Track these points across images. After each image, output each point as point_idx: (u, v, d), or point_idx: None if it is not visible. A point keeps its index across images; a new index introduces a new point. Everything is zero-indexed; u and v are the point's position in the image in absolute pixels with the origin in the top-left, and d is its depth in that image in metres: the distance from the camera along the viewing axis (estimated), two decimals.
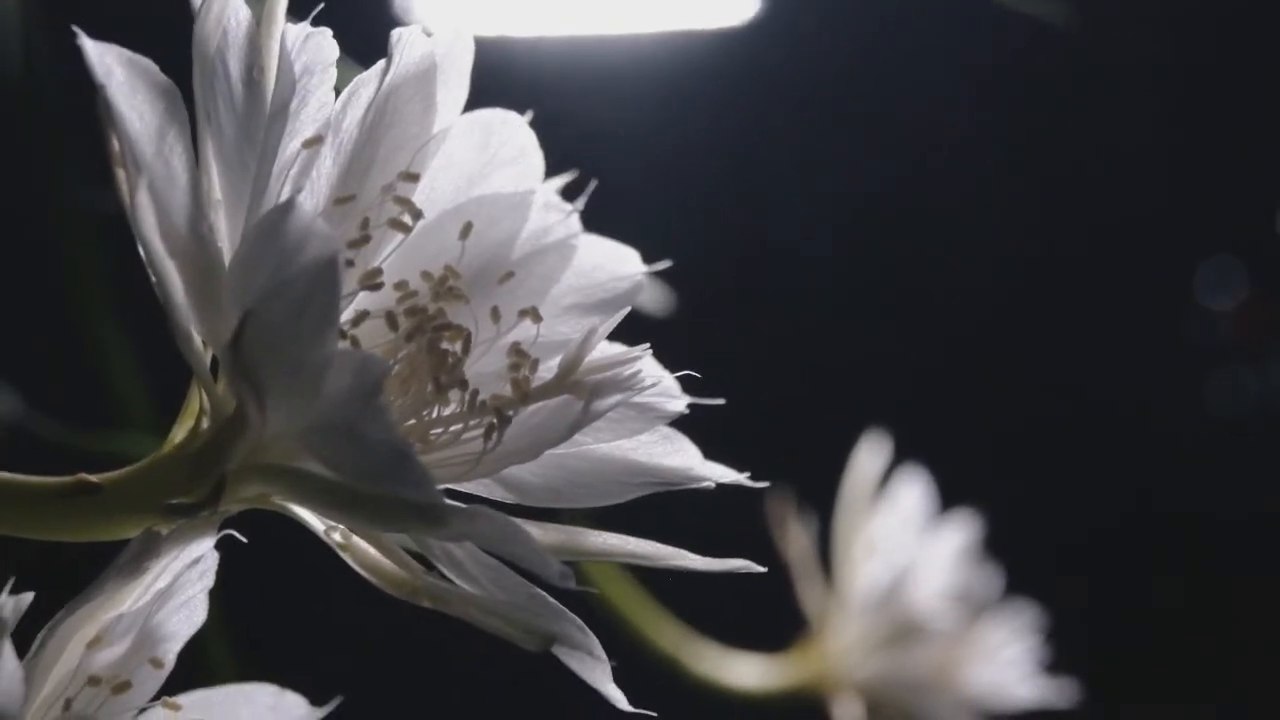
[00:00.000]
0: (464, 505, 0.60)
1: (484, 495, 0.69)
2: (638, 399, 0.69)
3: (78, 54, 0.58)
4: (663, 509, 0.76)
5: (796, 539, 1.79)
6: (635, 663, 1.57)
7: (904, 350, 3.26)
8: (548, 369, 0.70)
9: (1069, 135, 3.41)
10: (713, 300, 2.47)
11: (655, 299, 1.41)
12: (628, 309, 0.72)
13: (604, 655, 0.64)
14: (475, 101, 0.72)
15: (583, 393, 0.66)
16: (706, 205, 3.13)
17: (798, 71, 3.12)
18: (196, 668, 0.74)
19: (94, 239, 1.48)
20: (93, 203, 1.46)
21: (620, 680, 0.65)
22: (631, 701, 0.65)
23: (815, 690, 1.84)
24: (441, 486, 0.67)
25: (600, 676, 0.64)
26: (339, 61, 0.66)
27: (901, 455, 1.84)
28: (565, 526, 0.69)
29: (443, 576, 0.65)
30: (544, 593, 0.64)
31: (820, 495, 1.82)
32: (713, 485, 0.72)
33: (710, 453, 0.73)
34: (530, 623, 0.62)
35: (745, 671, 1.84)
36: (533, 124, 0.73)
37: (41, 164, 1.51)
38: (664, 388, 0.71)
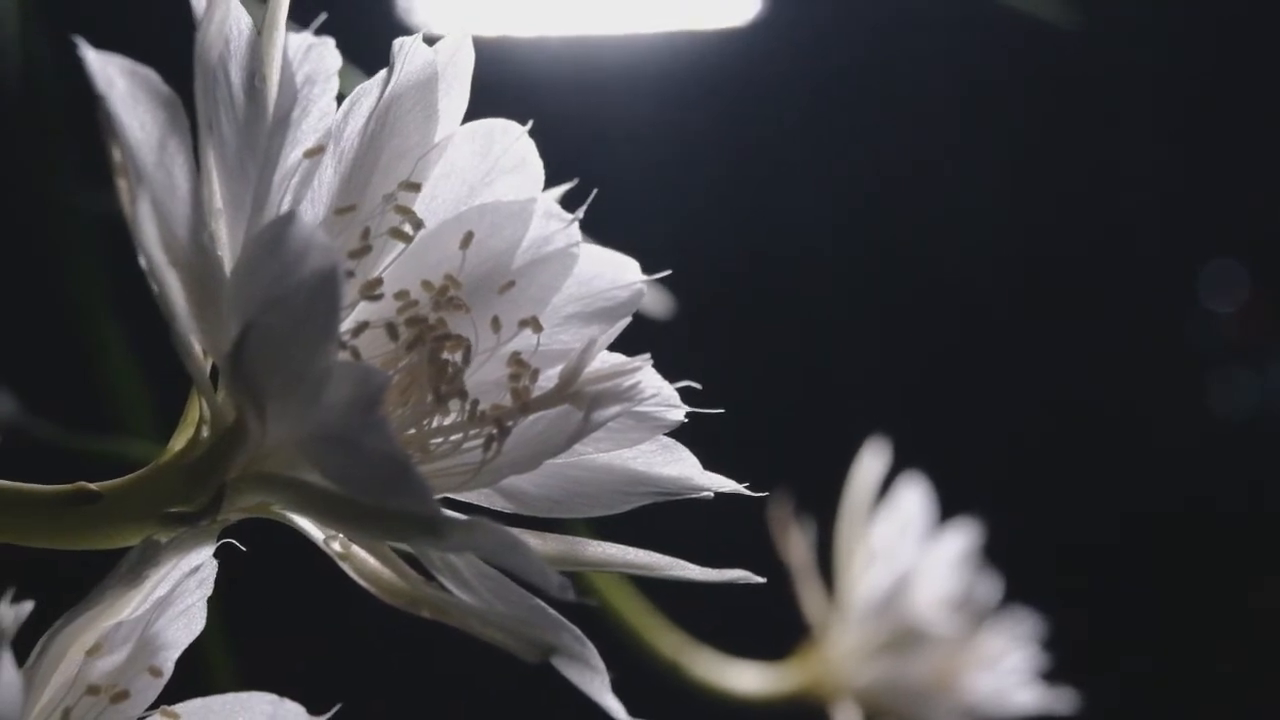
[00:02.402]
0: (463, 517, 0.60)
1: (484, 505, 0.69)
2: (637, 409, 0.69)
3: (77, 56, 0.58)
4: (669, 516, 0.76)
5: (797, 545, 1.79)
6: (637, 669, 1.57)
7: (906, 355, 3.26)
8: (548, 378, 0.69)
9: (1072, 137, 3.41)
10: (714, 303, 2.47)
11: (657, 302, 1.41)
12: (628, 319, 0.72)
13: (602, 666, 0.64)
14: (477, 102, 0.72)
15: (582, 403, 0.66)
16: (708, 206, 3.13)
17: (799, 72, 3.12)
18: (197, 675, 0.74)
19: (94, 241, 1.48)
20: (93, 204, 1.46)
21: (622, 687, 0.65)
22: (634, 708, 0.65)
23: (816, 696, 1.84)
24: (441, 496, 0.67)
25: (598, 687, 0.64)
26: (341, 67, 0.66)
27: (902, 462, 1.84)
28: (565, 536, 0.69)
29: (442, 586, 0.65)
30: (544, 604, 0.64)
31: (821, 502, 1.82)
32: (711, 495, 0.72)
33: (712, 460, 0.73)
34: (529, 634, 0.62)
35: (746, 677, 1.84)
36: (534, 125, 0.72)
37: (41, 166, 1.51)
38: (663, 398, 0.71)
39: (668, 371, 0.72)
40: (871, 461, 1.82)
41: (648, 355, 0.69)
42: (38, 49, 1.49)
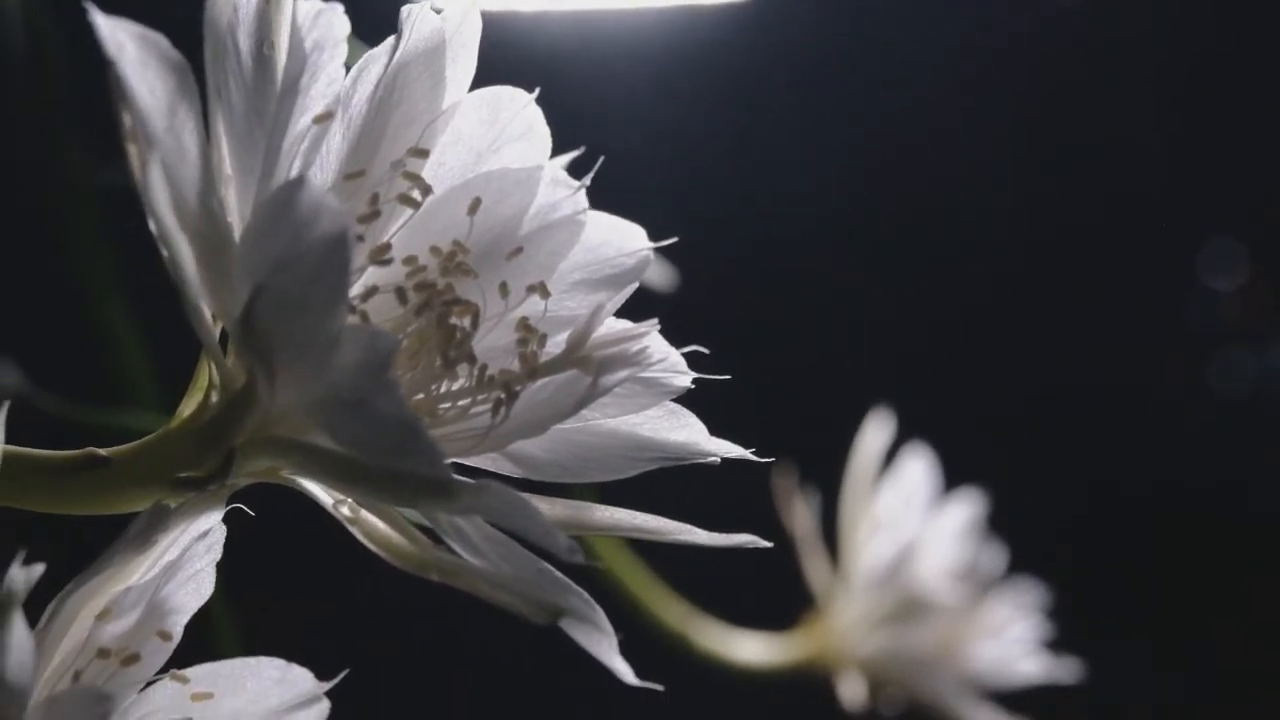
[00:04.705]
0: (472, 480, 0.60)
1: (492, 470, 0.70)
2: (644, 374, 0.69)
3: (80, 28, 0.58)
4: (672, 485, 0.76)
5: (802, 515, 1.80)
6: (640, 639, 1.57)
7: (909, 328, 3.26)
8: (555, 344, 0.70)
9: (1071, 116, 3.40)
10: (718, 276, 2.47)
11: (661, 275, 1.41)
12: (635, 285, 0.72)
13: (610, 629, 0.65)
14: (480, 77, 0.72)
15: (590, 368, 0.66)
16: (711, 181, 3.12)
17: (803, 47, 3.12)
18: (204, 641, 0.75)
19: (97, 212, 1.48)
20: (96, 176, 1.46)
21: (625, 656, 0.66)
22: (638, 675, 0.65)
23: (820, 666, 1.84)
24: (449, 460, 0.67)
25: (607, 650, 0.65)
26: (348, 40, 0.66)
27: (906, 433, 1.84)
28: (572, 501, 0.70)
29: (451, 550, 0.65)
30: (551, 567, 0.64)
31: (826, 473, 1.83)
32: (718, 460, 0.72)
33: (716, 429, 0.73)
34: (537, 597, 0.62)
35: (750, 648, 1.85)
36: (537, 99, 0.73)
37: (44, 138, 1.51)
38: (670, 363, 0.71)
39: (675, 342, 0.72)
40: (876, 432, 1.83)
41: (655, 320, 0.69)
42: (42, 19, 1.49)
